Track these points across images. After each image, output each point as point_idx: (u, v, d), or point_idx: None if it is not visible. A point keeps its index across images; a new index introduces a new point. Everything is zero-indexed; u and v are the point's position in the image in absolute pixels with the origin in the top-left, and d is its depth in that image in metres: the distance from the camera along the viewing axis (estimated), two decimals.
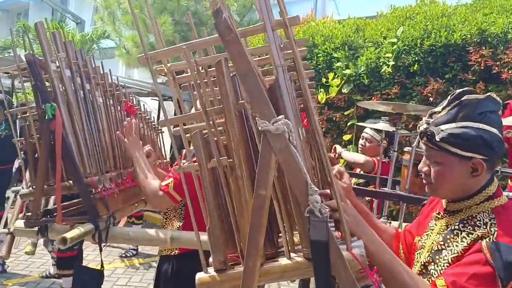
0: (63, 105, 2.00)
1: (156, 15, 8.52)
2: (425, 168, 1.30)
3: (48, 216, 2.11)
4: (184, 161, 2.19)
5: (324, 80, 5.50)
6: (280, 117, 0.88)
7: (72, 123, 2.02)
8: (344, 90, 5.46)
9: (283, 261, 0.96)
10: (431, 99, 4.80)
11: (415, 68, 4.91)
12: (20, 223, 2.11)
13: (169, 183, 2.12)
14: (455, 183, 1.25)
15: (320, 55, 5.77)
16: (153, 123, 2.92)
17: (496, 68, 4.40)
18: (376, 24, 5.60)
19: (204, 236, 1.90)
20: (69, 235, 1.77)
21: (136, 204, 2.43)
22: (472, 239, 1.16)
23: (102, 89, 2.29)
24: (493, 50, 4.45)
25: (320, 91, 5.42)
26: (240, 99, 1.09)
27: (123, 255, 5.72)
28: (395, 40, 5.08)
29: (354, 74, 5.32)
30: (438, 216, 1.34)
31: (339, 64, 5.52)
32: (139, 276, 4.87)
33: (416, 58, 4.89)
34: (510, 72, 4.31)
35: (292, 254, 0.98)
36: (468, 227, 1.20)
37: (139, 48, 8.88)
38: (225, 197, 1.05)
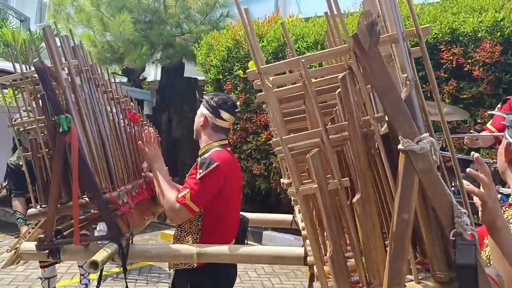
0: (76, 115, 1.85)
1: (115, 13, 8.19)
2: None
3: (58, 236, 1.95)
4: (201, 170, 2.10)
5: None
6: (424, 135, 0.84)
7: (86, 134, 1.87)
8: None
9: (412, 285, 0.91)
10: None
11: None
12: (27, 246, 1.94)
13: (185, 194, 2.02)
14: (502, 165, 1.38)
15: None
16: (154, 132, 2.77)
17: (468, 66, 4.58)
18: (346, 23, 5.66)
19: (246, 250, 1.83)
20: (99, 257, 1.63)
21: (146, 217, 2.30)
22: None
23: (108, 96, 2.14)
24: (464, 49, 4.63)
25: None
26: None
27: None
28: None
29: None
30: None
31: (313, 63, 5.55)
32: (119, 287, 4.67)
33: None
34: (481, 69, 4.50)
35: (411, 277, 0.94)
36: None
37: (97, 47, 8.52)
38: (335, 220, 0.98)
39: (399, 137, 0.84)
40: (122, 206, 1.90)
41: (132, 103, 2.45)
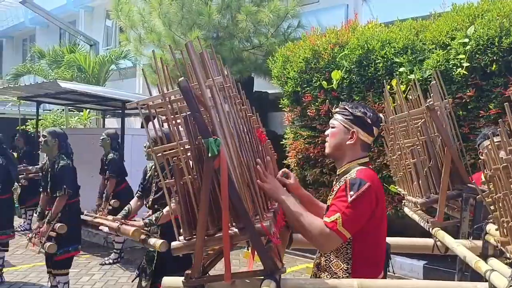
0: (222, 138, 1.67)
1: (186, 31, 8.25)
2: None
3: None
4: (352, 192, 1.85)
5: (388, 87, 5.18)
6: None
7: (232, 158, 1.70)
8: (410, 97, 5.15)
9: None
10: None
11: (493, 68, 4.61)
12: (171, 280, 1.78)
13: (336, 219, 1.80)
14: None
15: (379, 61, 5.47)
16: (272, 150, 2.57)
17: None
18: (438, 25, 5.30)
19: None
20: None
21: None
22: None
23: (243, 115, 1.96)
24: None
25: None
26: None
27: (104, 262, 6.17)
28: (466, 40, 4.78)
29: (421, 78, 5.00)
30: None
31: (402, 69, 5.22)
32: None
33: (494, 58, 4.59)
34: None
35: None
36: None
37: (169, 67, 8.59)
38: None
39: None
40: (273, 236, 1.70)
41: (258, 121, 2.27)
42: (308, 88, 6.28)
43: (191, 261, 3.48)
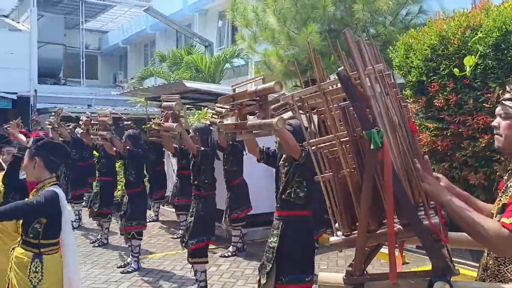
0: (383, 129, 1.58)
1: (300, 26, 8.22)
2: None
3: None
4: None
5: None
6: None
7: (393, 150, 1.60)
8: None
9: None
10: None
11: None
12: (330, 276, 1.74)
13: None
14: None
15: None
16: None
17: None
18: None
19: None
20: None
21: None
22: None
23: (398, 105, 1.85)
24: None
25: None
26: None
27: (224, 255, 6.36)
28: None
29: None
30: None
31: None
32: None
33: None
34: None
35: None
36: None
37: (283, 63, 8.67)
38: None
39: None
40: (442, 234, 1.57)
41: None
42: (434, 77, 5.86)
43: (309, 261, 3.45)
